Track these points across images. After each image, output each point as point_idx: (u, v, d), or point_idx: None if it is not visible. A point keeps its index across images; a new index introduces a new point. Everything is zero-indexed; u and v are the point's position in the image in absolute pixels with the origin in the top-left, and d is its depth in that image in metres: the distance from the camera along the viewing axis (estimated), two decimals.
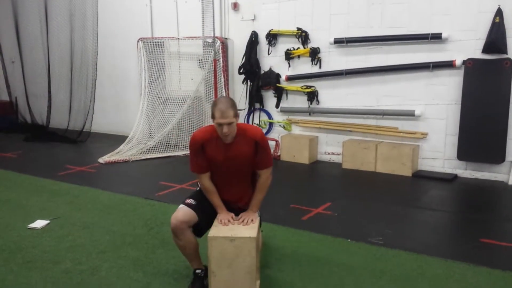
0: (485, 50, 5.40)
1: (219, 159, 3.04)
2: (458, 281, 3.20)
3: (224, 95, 6.95)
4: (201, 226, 3.04)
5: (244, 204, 3.22)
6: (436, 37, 5.64)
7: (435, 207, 4.82)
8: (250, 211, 3.15)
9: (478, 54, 5.48)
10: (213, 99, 6.95)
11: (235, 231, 2.89)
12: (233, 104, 2.96)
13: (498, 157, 5.51)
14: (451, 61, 5.60)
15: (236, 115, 2.95)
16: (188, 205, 3.05)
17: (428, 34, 5.67)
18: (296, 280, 3.25)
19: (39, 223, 4.32)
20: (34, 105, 9.75)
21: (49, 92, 9.07)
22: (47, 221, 4.37)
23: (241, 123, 3.14)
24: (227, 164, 3.06)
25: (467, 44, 5.53)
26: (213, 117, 2.94)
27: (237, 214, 3.13)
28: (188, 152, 3.16)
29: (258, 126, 6.51)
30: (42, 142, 8.28)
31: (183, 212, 2.99)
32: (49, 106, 9.16)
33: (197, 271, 3.09)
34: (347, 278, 3.27)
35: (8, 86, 10.14)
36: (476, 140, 5.58)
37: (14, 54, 9.82)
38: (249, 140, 3.05)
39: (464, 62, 5.54)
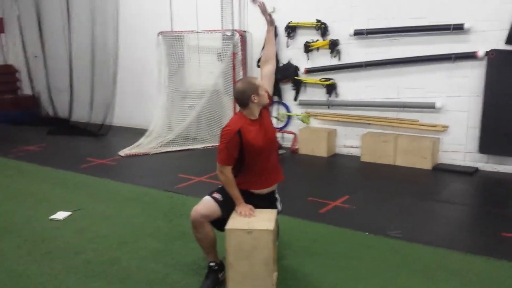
0: (508, 41, 5.28)
1: (261, 141, 3.07)
2: (478, 275, 3.17)
3: None
4: (225, 222, 2.99)
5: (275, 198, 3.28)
6: (458, 28, 5.53)
7: (455, 201, 4.75)
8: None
9: (501, 45, 5.36)
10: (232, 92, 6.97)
11: (252, 224, 2.90)
12: None
13: None
14: (474, 52, 5.49)
15: None
16: (214, 199, 3.05)
17: (450, 25, 5.56)
18: (314, 272, 3.26)
19: (61, 215, 4.41)
20: (57, 99, 9.95)
21: (71, 86, 9.23)
22: (69, 213, 4.47)
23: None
24: (266, 144, 3.11)
25: (490, 35, 5.41)
26: (256, 90, 3.05)
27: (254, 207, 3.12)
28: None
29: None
30: (64, 136, 8.44)
31: (204, 206, 3.00)
32: (71, 100, 9.32)
33: (211, 264, 3.09)
34: (365, 271, 3.26)
35: (31, 81, 10.35)
36: (498, 133, 5.47)
37: (37, 49, 10.01)
38: (261, 111, 3.16)
39: (487, 53, 5.43)
